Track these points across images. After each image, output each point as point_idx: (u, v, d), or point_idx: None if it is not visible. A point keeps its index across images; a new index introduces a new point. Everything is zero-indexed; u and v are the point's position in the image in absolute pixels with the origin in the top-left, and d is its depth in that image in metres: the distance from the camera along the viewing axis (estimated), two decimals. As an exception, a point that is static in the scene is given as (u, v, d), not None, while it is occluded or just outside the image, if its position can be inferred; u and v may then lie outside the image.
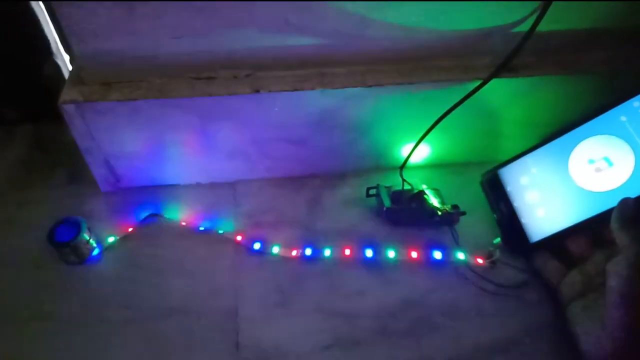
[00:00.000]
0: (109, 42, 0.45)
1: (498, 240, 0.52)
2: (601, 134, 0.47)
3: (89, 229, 0.51)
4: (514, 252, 0.51)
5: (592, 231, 0.46)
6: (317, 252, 0.52)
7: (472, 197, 0.55)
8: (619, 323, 0.39)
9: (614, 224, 0.41)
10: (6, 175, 0.60)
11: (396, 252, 0.51)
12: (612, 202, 0.43)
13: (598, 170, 0.47)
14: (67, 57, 0.60)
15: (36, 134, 0.64)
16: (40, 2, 0.55)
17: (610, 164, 0.46)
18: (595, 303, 0.42)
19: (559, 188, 0.48)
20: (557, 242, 0.48)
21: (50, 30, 0.58)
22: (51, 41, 0.58)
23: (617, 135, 0.46)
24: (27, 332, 0.46)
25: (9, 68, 0.59)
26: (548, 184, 0.49)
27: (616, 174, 0.45)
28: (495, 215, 0.53)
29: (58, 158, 0.60)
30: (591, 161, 0.47)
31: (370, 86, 0.49)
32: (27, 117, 0.65)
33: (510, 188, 0.52)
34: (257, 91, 0.48)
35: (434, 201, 0.54)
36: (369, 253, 0.51)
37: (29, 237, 0.52)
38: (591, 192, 0.46)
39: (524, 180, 0.51)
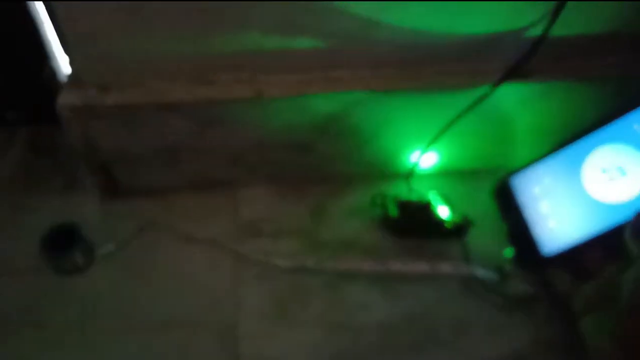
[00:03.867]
0: (108, 44, 0.45)
1: (509, 251, 0.50)
2: (613, 143, 0.46)
3: (85, 237, 0.50)
4: (525, 264, 0.50)
5: (605, 243, 0.45)
6: (319, 263, 0.50)
7: (482, 206, 0.54)
8: (630, 335, 0.38)
9: (628, 237, 0.40)
10: (4, 178, 0.59)
11: (402, 264, 0.50)
12: (626, 215, 0.42)
13: (611, 180, 0.46)
14: (66, 60, 0.60)
15: (36, 136, 0.64)
16: (40, 3, 0.54)
17: (623, 174, 0.45)
18: (608, 316, 0.41)
19: (572, 199, 0.47)
20: (570, 254, 0.47)
21: (50, 32, 0.57)
22: (51, 43, 0.58)
23: (631, 144, 0.45)
24: (22, 340, 0.46)
25: (8, 69, 0.58)
26: (561, 194, 0.48)
27: (630, 185, 0.45)
28: (506, 226, 0.52)
29: (57, 162, 0.60)
30: (604, 171, 0.46)
31: (376, 91, 0.48)
32: (27, 119, 0.64)
33: (522, 198, 0.51)
34: (260, 95, 0.47)
35: (443, 211, 0.53)
36: (373, 265, 0.50)
37: (25, 243, 0.51)
38: (605, 203, 0.46)
39: (536, 189, 0.50)
